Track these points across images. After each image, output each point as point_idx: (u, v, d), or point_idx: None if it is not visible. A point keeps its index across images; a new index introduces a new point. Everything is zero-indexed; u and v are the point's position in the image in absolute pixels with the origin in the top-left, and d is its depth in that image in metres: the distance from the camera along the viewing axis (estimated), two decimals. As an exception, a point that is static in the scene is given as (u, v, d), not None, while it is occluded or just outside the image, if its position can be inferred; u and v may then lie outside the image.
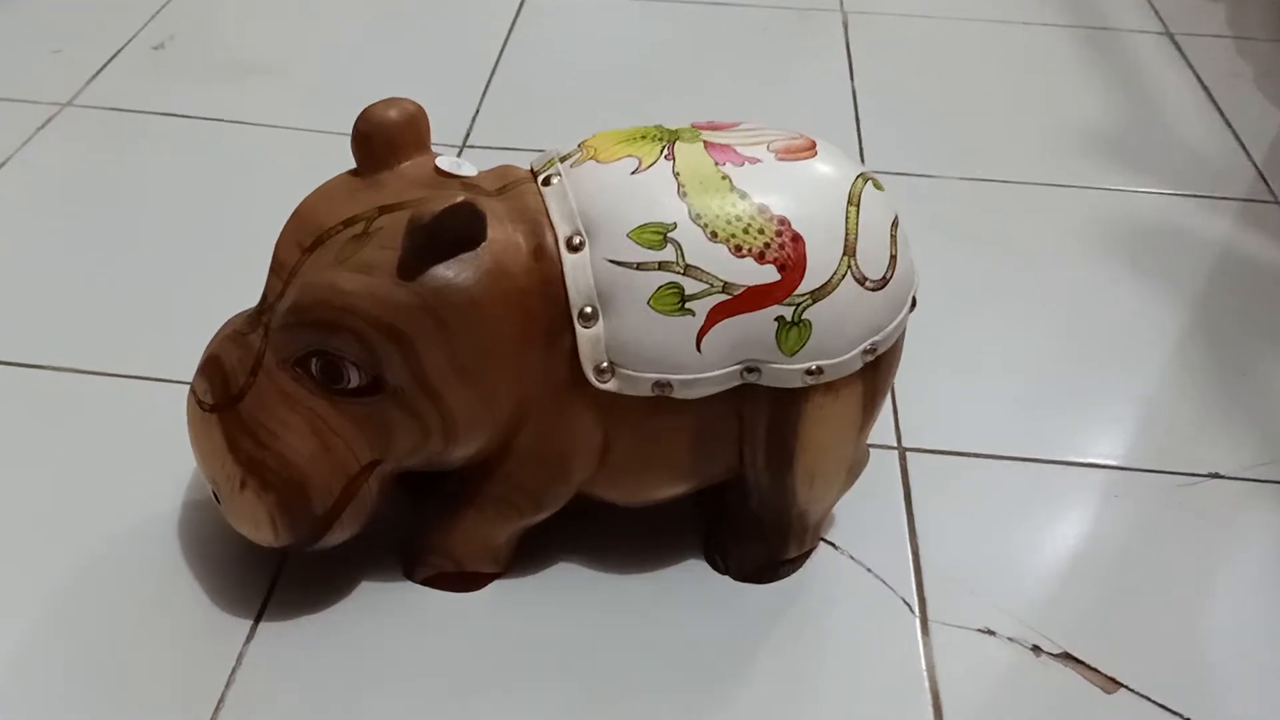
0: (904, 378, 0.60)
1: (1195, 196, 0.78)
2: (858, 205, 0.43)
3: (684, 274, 0.41)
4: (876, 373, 0.45)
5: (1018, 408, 0.60)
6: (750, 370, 0.43)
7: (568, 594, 0.49)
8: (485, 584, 0.49)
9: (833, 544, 0.52)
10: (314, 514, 0.43)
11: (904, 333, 0.46)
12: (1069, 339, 0.65)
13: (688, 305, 0.41)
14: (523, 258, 0.42)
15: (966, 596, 0.50)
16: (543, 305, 0.42)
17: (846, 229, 0.42)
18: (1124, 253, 0.72)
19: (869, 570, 0.51)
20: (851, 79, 0.89)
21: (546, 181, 0.43)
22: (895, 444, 0.57)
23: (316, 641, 0.46)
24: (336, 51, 0.89)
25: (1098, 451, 0.58)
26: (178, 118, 0.79)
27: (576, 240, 0.42)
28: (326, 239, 0.42)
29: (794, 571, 0.50)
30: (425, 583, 0.49)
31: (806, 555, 0.51)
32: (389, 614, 0.47)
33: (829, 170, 0.43)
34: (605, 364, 0.42)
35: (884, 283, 0.43)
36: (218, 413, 0.43)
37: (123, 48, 0.87)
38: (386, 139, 0.43)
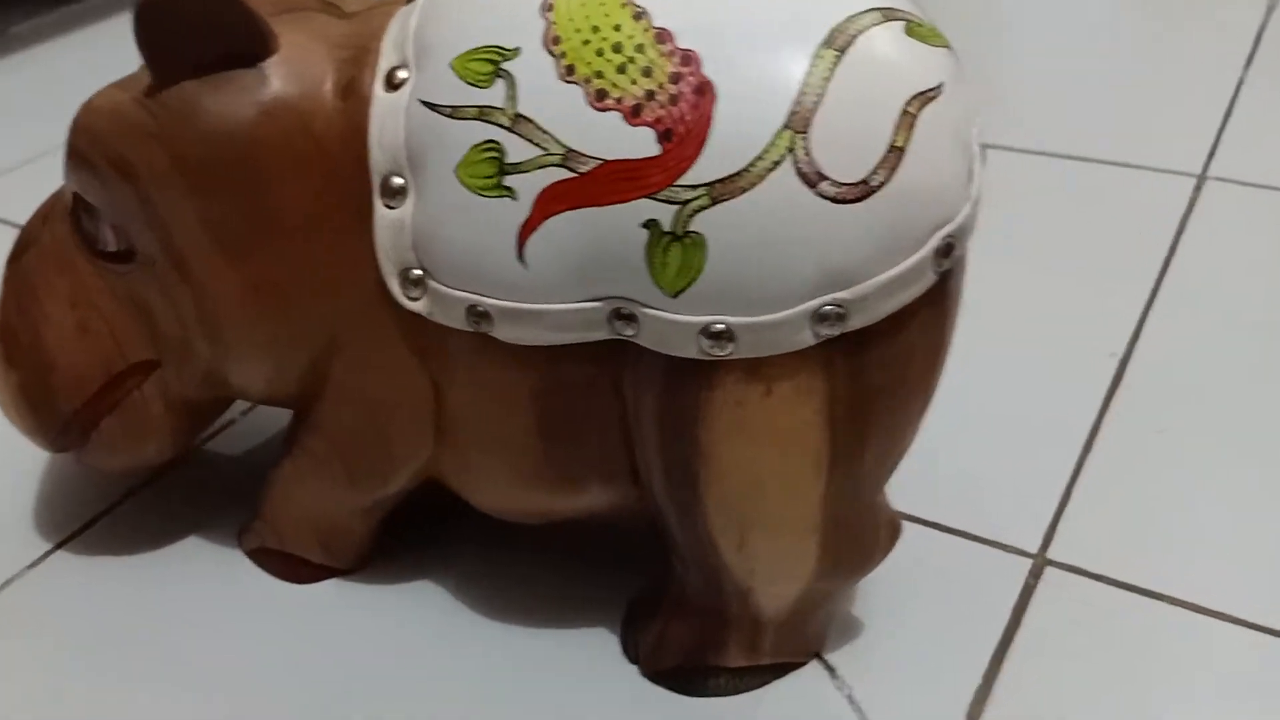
0: (1109, 458, 0.38)
1: None
2: (841, 51, 0.24)
3: (510, 128, 0.25)
4: (862, 369, 0.25)
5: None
6: (622, 317, 0.25)
7: (422, 621, 0.33)
8: (316, 579, 0.35)
9: (832, 670, 0.31)
10: (59, 410, 0.32)
11: (953, 309, 0.25)
12: None
13: (506, 182, 0.25)
14: (325, 95, 0.28)
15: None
16: (354, 168, 0.28)
17: (803, 87, 0.23)
18: None
19: (872, 729, 0.30)
20: None
21: (417, -3, 0.29)
22: (1035, 549, 0.35)
23: (106, 586, 0.35)
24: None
25: None
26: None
27: (400, 75, 0.27)
28: None
29: (737, 692, 0.31)
30: (251, 556, 0.36)
31: (772, 672, 0.31)
32: (198, 582, 0.35)
33: None
34: (416, 270, 0.27)
35: (864, 191, 0.23)
36: (10, 266, 0.34)
37: None
38: None
